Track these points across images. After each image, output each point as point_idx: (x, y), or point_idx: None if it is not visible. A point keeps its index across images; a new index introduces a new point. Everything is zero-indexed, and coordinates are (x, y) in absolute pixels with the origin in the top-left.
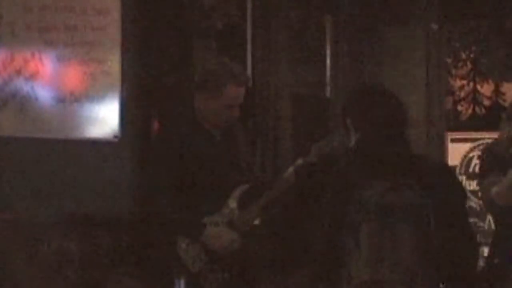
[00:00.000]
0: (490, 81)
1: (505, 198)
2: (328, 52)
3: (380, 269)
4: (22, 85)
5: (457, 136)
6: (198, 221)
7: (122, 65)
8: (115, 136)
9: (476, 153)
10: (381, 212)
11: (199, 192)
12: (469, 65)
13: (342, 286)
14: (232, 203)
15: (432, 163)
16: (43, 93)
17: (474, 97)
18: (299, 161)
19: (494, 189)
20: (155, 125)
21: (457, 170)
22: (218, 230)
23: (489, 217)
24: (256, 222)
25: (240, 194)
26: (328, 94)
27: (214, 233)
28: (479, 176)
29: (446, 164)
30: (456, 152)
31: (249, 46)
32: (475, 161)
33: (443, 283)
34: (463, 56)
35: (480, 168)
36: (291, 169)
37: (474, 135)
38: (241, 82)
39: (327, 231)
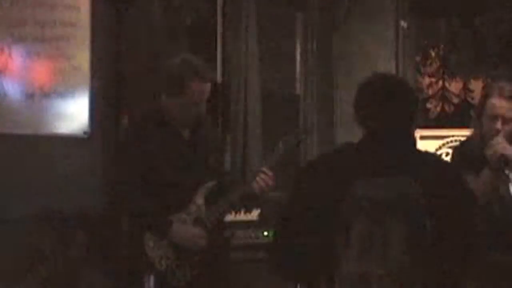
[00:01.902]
0: (458, 78)
1: (479, 198)
2: (297, 49)
3: (368, 263)
4: None
5: (426, 134)
6: (165, 218)
7: (92, 61)
8: (85, 132)
9: (445, 150)
10: (373, 208)
11: (166, 190)
12: (438, 63)
13: (333, 283)
14: (199, 200)
15: (435, 161)
16: (12, 89)
17: (443, 95)
18: (273, 157)
19: None
20: (125, 121)
21: None
22: (185, 227)
23: None
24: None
25: (207, 191)
26: (297, 91)
27: (181, 230)
28: None
29: (450, 164)
30: (425, 149)
31: (219, 43)
32: (444, 158)
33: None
34: (432, 53)
35: None
36: (266, 167)
37: (443, 132)
38: (205, 78)
39: (319, 228)
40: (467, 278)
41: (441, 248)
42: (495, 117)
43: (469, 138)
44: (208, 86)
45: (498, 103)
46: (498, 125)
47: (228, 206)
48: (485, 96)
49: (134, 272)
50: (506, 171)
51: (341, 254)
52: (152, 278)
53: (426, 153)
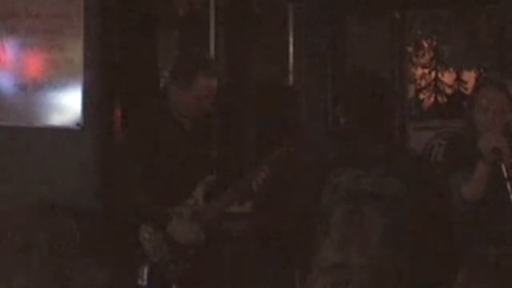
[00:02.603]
0: (451, 69)
1: (474, 193)
2: (290, 40)
3: (347, 253)
4: None
5: (419, 125)
6: (163, 211)
7: (85, 53)
8: (78, 124)
9: (438, 141)
10: (352, 197)
11: (166, 182)
12: (431, 54)
13: (313, 272)
14: (198, 194)
15: (411, 155)
16: (5, 81)
17: (436, 86)
18: (272, 156)
19: (463, 186)
20: (118, 113)
21: None
22: (182, 221)
23: None
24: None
25: (206, 185)
26: (291, 82)
27: (178, 224)
28: (445, 173)
29: (423, 158)
30: (418, 140)
31: (212, 34)
32: (437, 149)
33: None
34: (425, 44)
35: (444, 165)
36: (264, 165)
37: (436, 123)
38: (212, 73)
39: (300, 217)
40: (449, 271)
41: (419, 239)
42: (486, 110)
43: (460, 134)
44: (214, 81)
45: (489, 95)
46: (490, 117)
47: (227, 202)
48: (476, 89)
49: (129, 263)
50: (500, 164)
51: (320, 244)
52: (146, 270)
53: (402, 147)
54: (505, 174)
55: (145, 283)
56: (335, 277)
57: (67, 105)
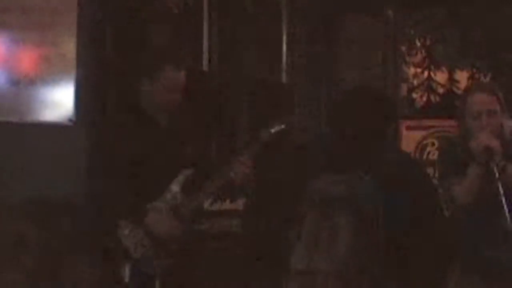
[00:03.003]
0: (444, 69)
1: (467, 195)
2: (284, 37)
3: (315, 260)
4: None
5: (412, 124)
6: (140, 206)
7: (78, 48)
8: (70, 120)
9: (431, 140)
10: (323, 204)
11: (142, 178)
12: (424, 53)
13: (282, 278)
14: (175, 188)
15: (394, 158)
16: None
17: (429, 85)
18: (252, 146)
19: (456, 188)
20: (110, 108)
21: None
22: (160, 215)
23: None
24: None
25: (182, 179)
26: (284, 79)
27: (156, 218)
28: (439, 177)
29: (412, 159)
30: (411, 139)
31: (205, 30)
32: (429, 148)
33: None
34: (418, 43)
35: (439, 169)
36: (245, 156)
37: (428, 122)
38: (180, 65)
39: (275, 224)
40: (437, 273)
41: (397, 244)
42: (479, 113)
43: (454, 141)
44: (182, 75)
45: (480, 98)
46: (483, 119)
47: (205, 196)
48: (467, 94)
49: (110, 260)
50: (492, 165)
51: (291, 251)
52: (127, 267)
53: (391, 151)
54: (497, 175)
55: (127, 280)
56: (301, 284)
57: (59, 100)
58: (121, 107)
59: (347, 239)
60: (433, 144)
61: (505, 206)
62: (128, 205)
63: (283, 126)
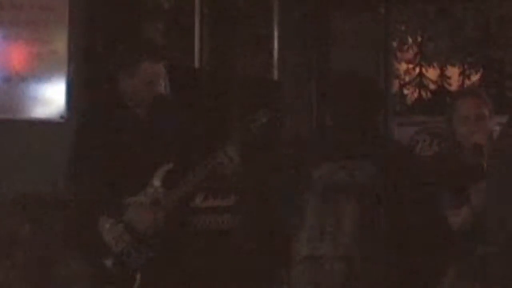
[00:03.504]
0: (435, 65)
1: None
2: (275, 34)
3: (320, 245)
4: None
5: (403, 120)
6: (120, 201)
7: (69, 45)
8: (61, 117)
9: (422, 136)
10: (326, 191)
11: (123, 172)
12: (415, 49)
13: (289, 264)
14: (156, 182)
15: (392, 147)
16: None
17: (420, 81)
18: (237, 138)
19: (450, 217)
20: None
21: None
22: (140, 209)
23: None
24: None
25: (164, 173)
26: (275, 76)
27: (136, 212)
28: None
29: (406, 148)
30: (402, 135)
31: (196, 27)
32: (421, 144)
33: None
34: (409, 40)
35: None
36: (222, 156)
37: (420, 118)
38: (157, 58)
39: (277, 210)
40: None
41: (398, 230)
42: (467, 117)
43: (444, 151)
44: (160, 67)
45: (467, 103)
46: (472, 123)
47: (188, 189)
48: (454, 99)
49: (92, 255)
50: (481, 162)
51: (296, 237)
52: (109, 262)
53: (384, 139)
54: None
55: (109, 274)
56: (308, 269)
57: (51, 97)
58: (100, 101)
59: (352, 225)
60: (424, 140)
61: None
62: (107, 200)
63: (264, 120)
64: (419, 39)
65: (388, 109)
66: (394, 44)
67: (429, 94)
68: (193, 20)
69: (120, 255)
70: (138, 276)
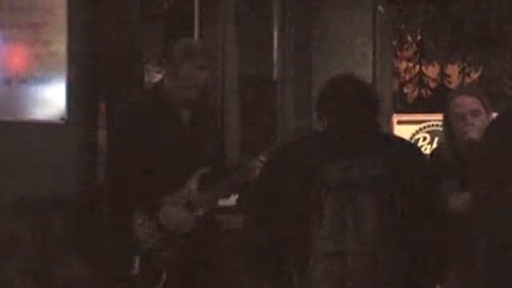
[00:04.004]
0: (435, 63)
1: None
2: (275, 34)
3: (342, 241)
4: None
5: (403, 118)
6: (156, 198)
7: (69, 47)
8: (62, 119)
9: (422, 135)
10: (343, 187)
11: (162, 172)
12: (415, 48)
13: (308, 262)
14: (192, 185)
15: (398, 143)
16: None
17: (420, 79)
18: (262, 156)
19: (451, 200)
20: (102, 107)
21: None
22: (174, 209)
23: None
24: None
25: (200, 176)
26: (275, 76)
27: (170, 212)
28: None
29: (411, 144)
30: (403, 134)
31: (196, 27)
32: (421, 142)
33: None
34: (409, 38)
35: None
36: (255, 161)
37: (420, 117)
38: (198, 63)
39: (292, 211)
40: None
41: (411, 224)
42: (463, 115)
43: (442, 147)
44: (201, 73)
45: (463, 100)
46: (468, 119)
47: (220, 193)
48: (450, 98)
49: (120, 252)
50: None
51: (315, 234)
52: (137, 259)
53: (390, 136)
54: None
55: (136, 271)
56: (330, 265)
57: (51, 99)
58: (143, 99)
59: (372, 220)
60: (425, 138)
61: None
62: (143, 197)
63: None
64: (419, 37)
65: (389, 108)
66: (394, 42)
67: (429, 92)
68: (193, 20)
69: (150, 252)
70: (164, 275)
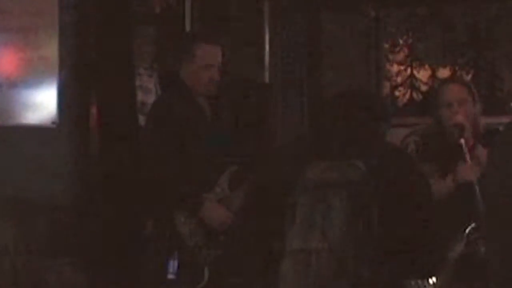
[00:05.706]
0: (427, 66)
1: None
2: (266, 37)
3: (310, 239)
4: None
5: (395, 122)
6: (197, 196)
7: (60, 51)
8: (53, 122)
9: (413, 138)
10: (317, 189)
11: (199, 168)
12: (406, 51)
13: (280, 259)
14: (223, 183)
15: (386, 148)
16: None
17: (411, 83)
18: None
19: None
20: (94, 110)
21: None
22: (215, 206)
23: None
24: None
25: (229, 175)
26: (267, 79)
27: (212, 208)
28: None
29: (401, 150)
30: (394, 137)
31: (187, 31)
32: (412, 146)
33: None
34: (400, 41)
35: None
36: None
37: (411, 120)
38: (211, 40)
39: (275, 208)
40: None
41: (388, 228)
42: (450, 103)
43: (429, 132)
44: (217, 49)
45: (451, 89)
46: (455, 107)
47: (244, 194)
48: (439, 86)
49: (160, 250)
50: (461, 141)
51: (288, 232)
52: (175, 263)
53: (379, 140)
54: (465, 150)
55: (174, 276)
56: (296, 262)
57: (42, 103)
58: (169, 91)
59: (341, 220)
60: (415, 142)
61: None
62: (184, 195)
63: None
64: (410, 40)
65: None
66: (385, 45)
67: (420, 95)
68: (184, 24)
69: (192, 249)
70: (206, 272)
